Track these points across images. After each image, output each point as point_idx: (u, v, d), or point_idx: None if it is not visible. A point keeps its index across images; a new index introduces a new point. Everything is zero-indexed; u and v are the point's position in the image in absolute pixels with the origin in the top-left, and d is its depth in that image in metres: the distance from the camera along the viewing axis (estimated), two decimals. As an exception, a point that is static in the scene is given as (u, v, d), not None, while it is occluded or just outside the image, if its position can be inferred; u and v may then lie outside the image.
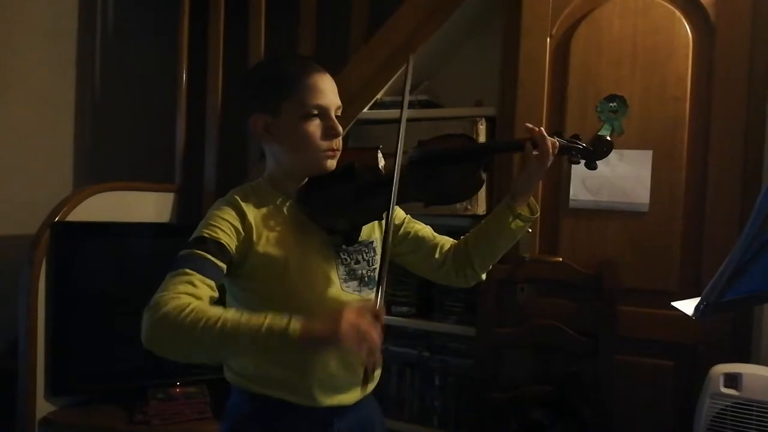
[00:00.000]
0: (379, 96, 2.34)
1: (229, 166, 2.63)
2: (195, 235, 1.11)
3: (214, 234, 1.09)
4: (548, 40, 2.00)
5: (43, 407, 2.05)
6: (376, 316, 0.97)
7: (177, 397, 2.10)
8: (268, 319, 0.95)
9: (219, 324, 0.95)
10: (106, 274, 2.16)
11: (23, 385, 2.01)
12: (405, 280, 2.27)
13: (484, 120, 2.13)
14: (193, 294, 1.01)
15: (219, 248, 1.08)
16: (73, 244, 2.09)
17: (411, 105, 2.30)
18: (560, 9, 1.98)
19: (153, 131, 2.94)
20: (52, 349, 2.04)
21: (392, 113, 2.29)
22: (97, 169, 2.75)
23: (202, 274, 1.04)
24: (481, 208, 2.11)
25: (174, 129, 2.67)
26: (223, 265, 1.08)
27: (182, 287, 1.01)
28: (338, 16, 2.44)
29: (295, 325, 0.94)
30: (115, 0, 2.88)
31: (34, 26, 2.51)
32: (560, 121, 1.97)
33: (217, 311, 0.98)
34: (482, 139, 2.10)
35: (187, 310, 0.97)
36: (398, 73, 2.26)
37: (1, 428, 2.12)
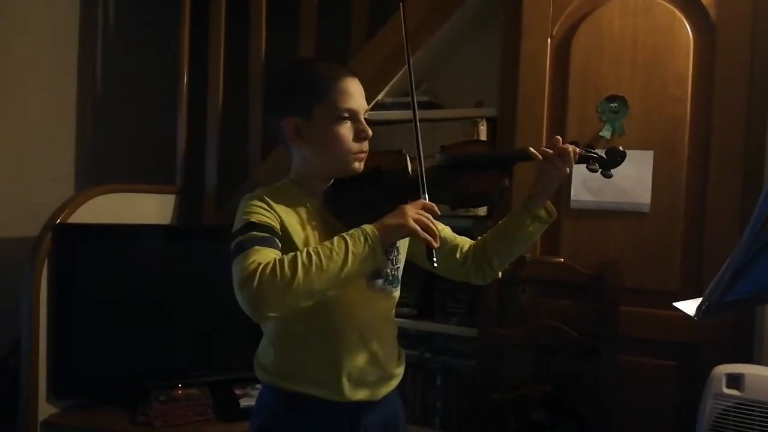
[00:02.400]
0: (380, 97, 2.34)
1: (229, 168, 2.64)
2: (241, 224, 1.12)
3: (260, 218, 1.12)
4: (549, 40, 2.00)
5: (45, 409, 2.05)
6: (430, 209, 1.10)
7: (179, 399, 2.10)
8: (345, 235, 1.05)
9: (314, 256, 1.02)
10: (108, 275, 2.16)
11: (25, 387, 2.01)
12: (406, 281, 2.26)
13: (484, 121, 2.13)
14: (269, 257, 1.05)
15: (270, 229, 1.11)
16: (75, 246, 2.09)
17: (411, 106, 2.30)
18: (561, 9, 1.98)
19: (154, 133, 2.94)
20: (55, 350, 2.04)
21: (393, 114, 2.29)
22: (98, 171, 2.76)
23: (271, 247, 1.08)
24: (482, 210, 2.11)
25: (175, 131, 2.68)
26: (279, 243, 1.11)
27: (258, 257, 1.04)
28: (339, 17, 2.45)
29: (369, 229, 1.06)
30: (116, 2, 2.89)
31: (35, 29, 2.51)
32: (561, 122, 1.97)
33: (301, 253, 1.03)
34: (483, 139, 2.11)
35: (279, 263, 1.02)
36: (399, 73, 2.26)
37: (4, 430, 2.12)
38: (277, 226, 1.13)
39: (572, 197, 1.94)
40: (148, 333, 2.18)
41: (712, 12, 1.81)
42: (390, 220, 1.07)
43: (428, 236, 1.06)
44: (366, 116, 1.22)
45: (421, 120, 2.18)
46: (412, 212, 1.06)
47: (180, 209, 2.62)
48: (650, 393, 1.85)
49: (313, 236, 1.17)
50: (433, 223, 1.07)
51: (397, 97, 2.38)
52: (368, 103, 2.24)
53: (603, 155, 1.30)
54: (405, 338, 2.31)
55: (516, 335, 1.96)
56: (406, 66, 1.25)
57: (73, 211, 2.14)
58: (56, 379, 2.05)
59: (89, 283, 2.11)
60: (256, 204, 1.15)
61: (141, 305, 2.17)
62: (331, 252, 1.03)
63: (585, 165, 1.30)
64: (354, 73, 1.23)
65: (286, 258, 1.02)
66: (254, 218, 1.12)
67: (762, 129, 1.77)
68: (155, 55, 2.98)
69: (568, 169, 1.23)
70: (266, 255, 1.05)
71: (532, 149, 1.24)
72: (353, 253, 1.03)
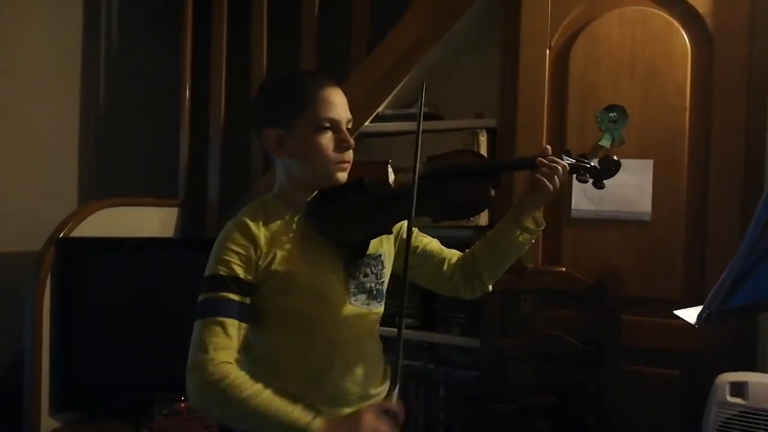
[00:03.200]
0: (380, 109, 2.36)
1: (232, 181, 2.65)
2: (210, 271, 1.13)
3: (229, 271, 1.12)
4: (547, 51, 2.01)
5: (48, 423, 2.05)
6: (393, 417, 1.06)
7: (182, 412, 2.10)
8: (295, 413, 1.04)
9: (252, 407, 1.04)
10: (111, 289, 2.16)
11: (28, 401, 2.01)
12: (408, 291, 2.26)
13: (484, 131, 2.14)
14: (228, 347, 1.08)
15: (238, 284, 1.11)
16: (78, 260, 2.10)
17: (411, 117, 2.32)
18: (559, 20, 1.99)
19: (157, 147, 2.96)
20: (57, 364, 2.05)
21: (393, 126, 2.30)
22: (101, 185, 2.77)
23: (232, 317, 1.09)
24: (483, 219, 2.12)
25: (178, 144, 2.70)
26: (247, 299, 1.12)
27: (218, 340, 1.08)
28: (340, 28, 2.46)
29: (318, 424, 1.03)
30: (119, 17, 2.92)
31: (39, 42, 2.54)
32: (560, 132, 1.98)
33: (252, 391, 1.06)
34: (483, 150, 2.12)
35: (224, 384, 1.05)
36: (399, 86, 2.28)
37: (6, 445, 2.12)
38: (249, 271, 1.12)
39: (573, 206, 1.94)
40: (151, 346, 2.18)
41: (709, 21, 1.83)
42: (342, 427, 1.05)
43: None
44: (349, 126, 1.21)
45: (421, 131, 2.18)
46: (368, 425, 1.03)
47: (183, 222, 2.63)
48: (654, 402, 1.84)
49: (287, 251, 1.16)
50: None
51: (398, 109, 2.40)
52: (368, 114, 2.29)
53: (596, 165, 1.28)
54: (407, 349, 2.30)
55: (518, 345, 1.95)
56: (417, 137, 1.20)
57: (77, 224, 2.15)
58: (59, 392, 2.05)
59: (92, 296, 2.12)
60: (231, 245, 1.13)
61: (144, 318, 2.18)
62: (270, 416, 1.04)
63: (575, 176, 1.28)
64: (337, 83, 1.21)
65: (233, 385, 1.05)
66: (224, 269, 1.11)
67: (761, 136, 1.78)
68: (158, 69, 3.00)
69: (558, 180, 1.21)
70: (225, 339, 1.08)
71: (525, 158, 1.23)
72: (284, 428, 1.03)
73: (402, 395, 1.10)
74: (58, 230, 2.10)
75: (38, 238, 2.10)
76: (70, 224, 2.13)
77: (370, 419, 1.03)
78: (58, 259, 2.06)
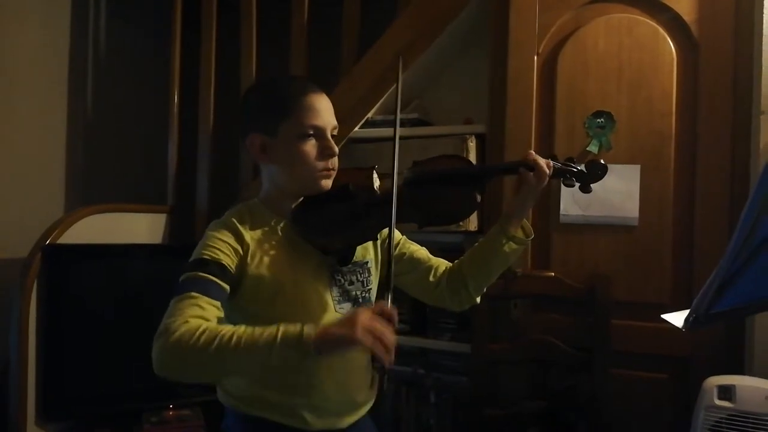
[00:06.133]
0: (370, 115, 2.36)
1: (221, 187, 2.64)
2: (194, 257, 1.11)
3: (214, 255, 1.10)
4: (535, 57, 2.03)
5: (35, 433, 2.02)
6: (389, 318, 1.00)
7: (170, 421, 2.08)
8: (281, 329, 0.97)
9: (234, 341, 0.96)
10: (99, 296, 2.14)
11: (14, 410, 1.98)
12: (398, 297, 2.26)
13: (474, 137, 2.15)
14: (201, 316, 1.01)
15: (221, 269, 1.08)
16: (64, 267, 2.08)
17: (401, 123, 2.31)
18: (546, 27, 2.01)
19: (145, 153, 2.94)
20: (44, 373, 2.02)
21: (383, 132, 2.31)
22: (88, 191, 2.75)
23: (208, 296, 1.04)
24: (472, 224, 2.12)
25: (166, 151, 2.68)
26: (227, 286, 1.09)
27: (190, 311, 1.01)
28: (329, 35, 2.47)
29: (309, 330, 0.96)
30: (107, 23, 2.91)
31: (26, 49, 2.52)
32: (549, 138, 1.99)
33: (229, 328, 0.98)
34: (473, 156, 2.12)
35: (199, 331, 0.97)
36: (389, 91, 2.29)
37: (-9, 455, 2.09)
38: (233, 262, 1.10)
39: (561, 211, 1.95)
40: (139, 354, 2.13)
41: (694, 29, 1.85)
42: (336, 328, 0.98)
43: (379, 351, 0.97)
44: (334, 133, 1.20)
45: (410, 137, 2.20)
46: (364, 322, 0.96)
47: (171, 228, 2.61)
48: (645, 406, 1.85)
49: (277, 258, 1.15)
50: (388, 336, 0.97)
51: (388, 114, 2.40)
52: (359, 120, 2.29)
53: (582, 169, 1.27)
54: (397, 355, 2.30)
55: (509, 350, 1.95)
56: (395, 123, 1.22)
57: (63, 231, 2.13)
58: (45, 402, 2.02)
59: (79, 304, 2.10)
60: (219, 235, 1.13)
61: (132, 326, 2.15)
62: (255, 341, 0.96)
63: (561, 180, 1.28)
64: (323, 90, 1.20)
65: (209, 329, 0.97)
66: (208, 254, 1.09)
67: (746, 141, 1.80)
68: (147, 76, 2.99)
69: (541, 182, 1.21)
70: (198, 309, 1.01)
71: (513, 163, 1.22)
72: (278, 353, 0.95)
73: (394, 302, 1.05)
74: (45, 237, 2.08)
75: (24, 244, 2.08)
76: (57, 231, 2.11)
77: (365, 317, 0.97)
78: (45, 266, 2.04)
